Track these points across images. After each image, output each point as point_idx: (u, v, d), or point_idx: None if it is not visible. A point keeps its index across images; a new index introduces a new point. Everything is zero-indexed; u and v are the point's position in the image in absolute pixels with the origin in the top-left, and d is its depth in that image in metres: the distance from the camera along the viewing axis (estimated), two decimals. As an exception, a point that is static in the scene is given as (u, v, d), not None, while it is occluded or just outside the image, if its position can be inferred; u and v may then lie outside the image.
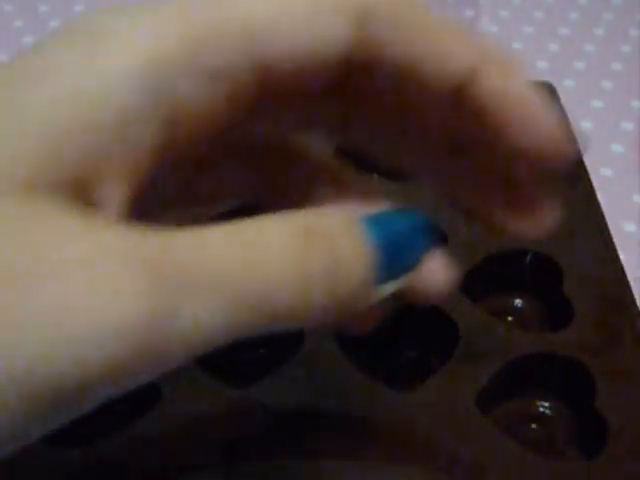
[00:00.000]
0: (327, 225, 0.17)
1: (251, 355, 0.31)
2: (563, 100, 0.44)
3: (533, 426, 0.29)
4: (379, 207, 0.19)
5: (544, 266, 0.33)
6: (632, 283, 0.32)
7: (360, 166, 0.37)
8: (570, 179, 0.36)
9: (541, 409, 0.30)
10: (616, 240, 0.34)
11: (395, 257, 0.18)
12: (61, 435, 0.26)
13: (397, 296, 0.19)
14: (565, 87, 0.47)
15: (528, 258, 0.33)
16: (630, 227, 0.38)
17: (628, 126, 0.45)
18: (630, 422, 0.27)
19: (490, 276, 0.33)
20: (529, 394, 0.30)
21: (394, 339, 0.31)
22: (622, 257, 0.35)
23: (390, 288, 0.18)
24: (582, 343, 0.30)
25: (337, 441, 0.26)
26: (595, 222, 0.35)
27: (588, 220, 0.35)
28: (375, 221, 0.18)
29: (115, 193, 0.16)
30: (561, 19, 0.54)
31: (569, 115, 0.40)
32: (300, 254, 0.16)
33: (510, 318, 0.33)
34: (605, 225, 0.34)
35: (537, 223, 0.22)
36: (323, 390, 0.28)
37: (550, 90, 0.41)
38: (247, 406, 0.27)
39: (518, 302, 0.34)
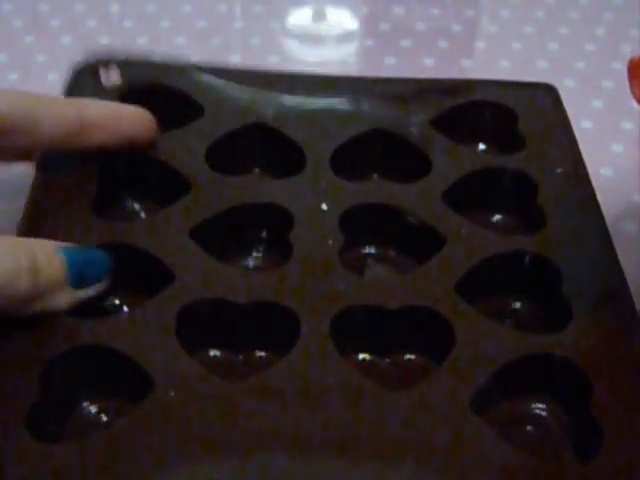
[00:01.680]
0: (32, 247, 0.28)
1: (247, 356, 0.31)
2: (563, 100, 0.44)
3: (528, 428, 0.29)
4: (74, 245, 0.30)
5: (542, 268, 0.33)
6: (631, 284, 0.32)
7: (360, 167, 0.38)
8: None
9: (537, 411, 0.30)
10: (616, 240, 0.34)
11: (81, 273, 0.29)
12: (50, 430, 0.27)
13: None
14: (565, 87, 0.47)
15: (526, 260, 0.33)
16: (630, 227, 0.38)
17: (628, 126, 0.45)
18: (626, 425, 0.27)
19: (488, 278, 0.32)
20: (525, 396, 0.30)
21: (391, 341, 0.31)
22: (622, 257, 0.35)
23: (85, 293, 0.30)
24: (579, 345, 0.29)
25: (331, 440, 0.26)
26: (595, 223, 0.34)
27: (587, 221, 0.35)
28: (69, 249, 0.29)
29: None
30: (561, 19, 0.53)
31: (568, 115, 0.40)
32: (12, 263, 0.27)
33: (508, 320, 0.33)
34: (604, 226, 0.34)
35: None
36: (317, 388, 0.28)
37: (551, 91, 0.41)
38: (242, 402, 0.27)
39: (516, 304, 0.33)
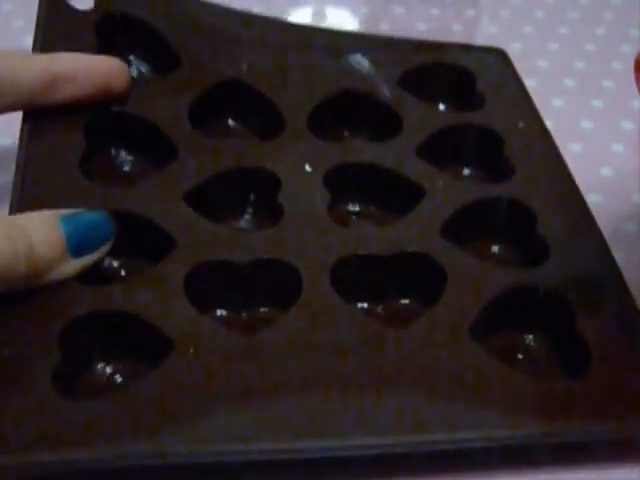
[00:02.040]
0: (26, 223, 0.28)
1: (251, 314, 0.32)
2: (563, 100, 0.44)
3: (520, 356, 0.31)
4: (74, 210, 0.30)
5: (518, 211, 0.34)
6: (632, 284, 0.32)
7: (333, 125, 0.39)
8: None
9: (526, 340, 0.32)
10: (616, 240, 0.34)
11: (83, 239, 0.29)
12: (72, 389, 0.27)
13: None
14: (565, 87, 0.47)
15: (503, 205, 0.35)
16: (630, 227, 0.38)
17: (628, 126, 0.45)
18: (610, 346, 0.29)
19: (468, 224, 0.34)
20: (515, 327, 0.32)
21: (386, 288, 0.32)
22: (622, 257, 0.35)
23: (88, 260, 0.29)
24: (559, 276, 0.32)
25: (335, 373, 0.28)
26: (558, 168, 0.37)
27: (551, 167, 0.37)
28: (68, 218, 0.29)
29: None
30: (561, 19, 0.54)
31: (568, 115, 0.40)
32: (9, 248, 0.27)
33: (489, 261, 0.34)
34: (567, 170, 0.37)
35: None
36: (330, 335, 0.29)
37: (501, 54, 0.44)
38: (262, 352, 0.28)
39: (495, 247, 0.35)
